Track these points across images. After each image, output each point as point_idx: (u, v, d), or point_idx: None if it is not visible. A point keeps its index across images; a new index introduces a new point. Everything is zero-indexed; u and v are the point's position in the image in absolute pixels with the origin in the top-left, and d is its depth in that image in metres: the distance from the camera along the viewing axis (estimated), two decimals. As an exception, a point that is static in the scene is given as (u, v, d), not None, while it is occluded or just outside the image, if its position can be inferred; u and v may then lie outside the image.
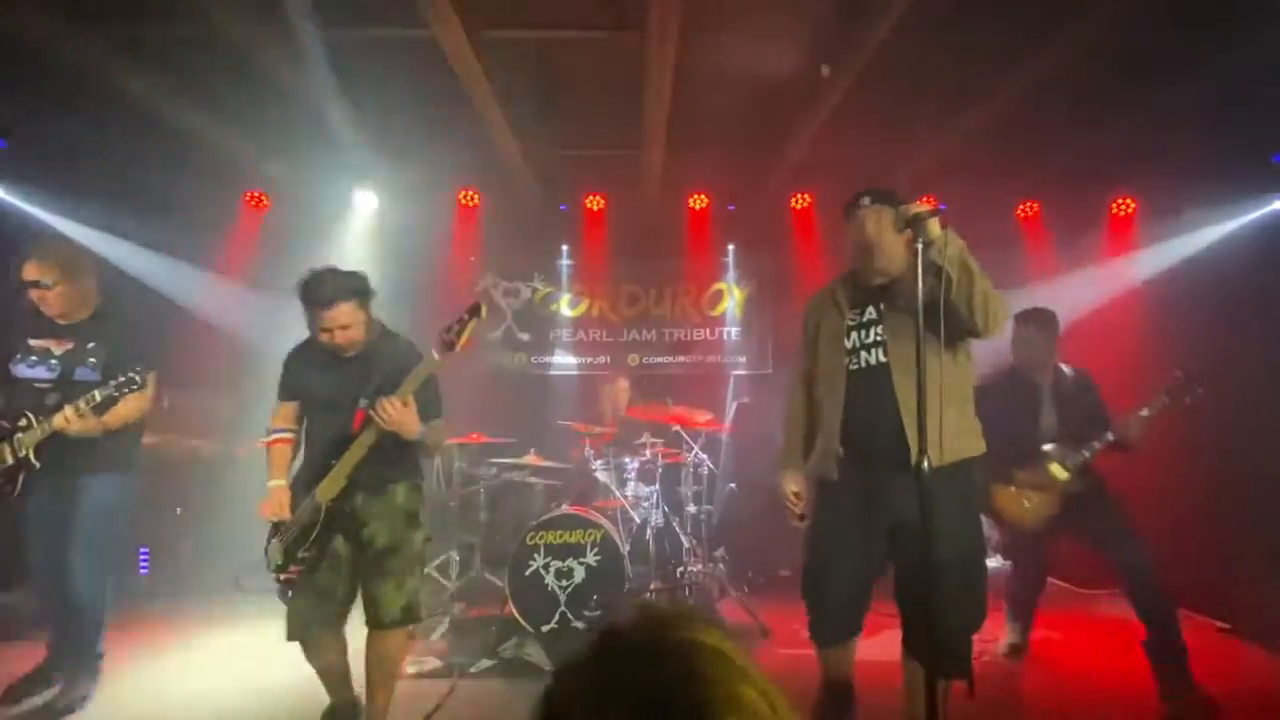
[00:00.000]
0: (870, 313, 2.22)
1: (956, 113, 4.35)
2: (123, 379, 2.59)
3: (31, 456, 2.62)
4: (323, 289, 2.34)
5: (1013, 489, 3.16)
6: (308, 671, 2.46)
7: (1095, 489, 3.05)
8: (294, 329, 2.58)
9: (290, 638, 2.40)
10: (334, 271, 2.41)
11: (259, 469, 2.57)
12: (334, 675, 2.50)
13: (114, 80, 3.88)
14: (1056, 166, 5.01)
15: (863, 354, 2.20)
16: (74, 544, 2.72)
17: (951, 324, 1.97)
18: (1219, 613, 3.69)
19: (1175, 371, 2.92)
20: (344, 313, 2.36)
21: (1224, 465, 2.78)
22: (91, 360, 2.75)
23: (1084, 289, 4.90)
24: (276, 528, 2.41)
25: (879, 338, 2.17)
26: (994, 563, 5.48)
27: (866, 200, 2.20)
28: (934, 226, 1.91)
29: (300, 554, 2.35)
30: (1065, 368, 3.29)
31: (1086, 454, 3.00)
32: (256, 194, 5.44)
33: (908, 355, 1.97)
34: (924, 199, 5.98)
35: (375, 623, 2.43)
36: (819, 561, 2.27)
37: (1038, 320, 3.26)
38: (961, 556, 1.89)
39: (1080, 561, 3.75)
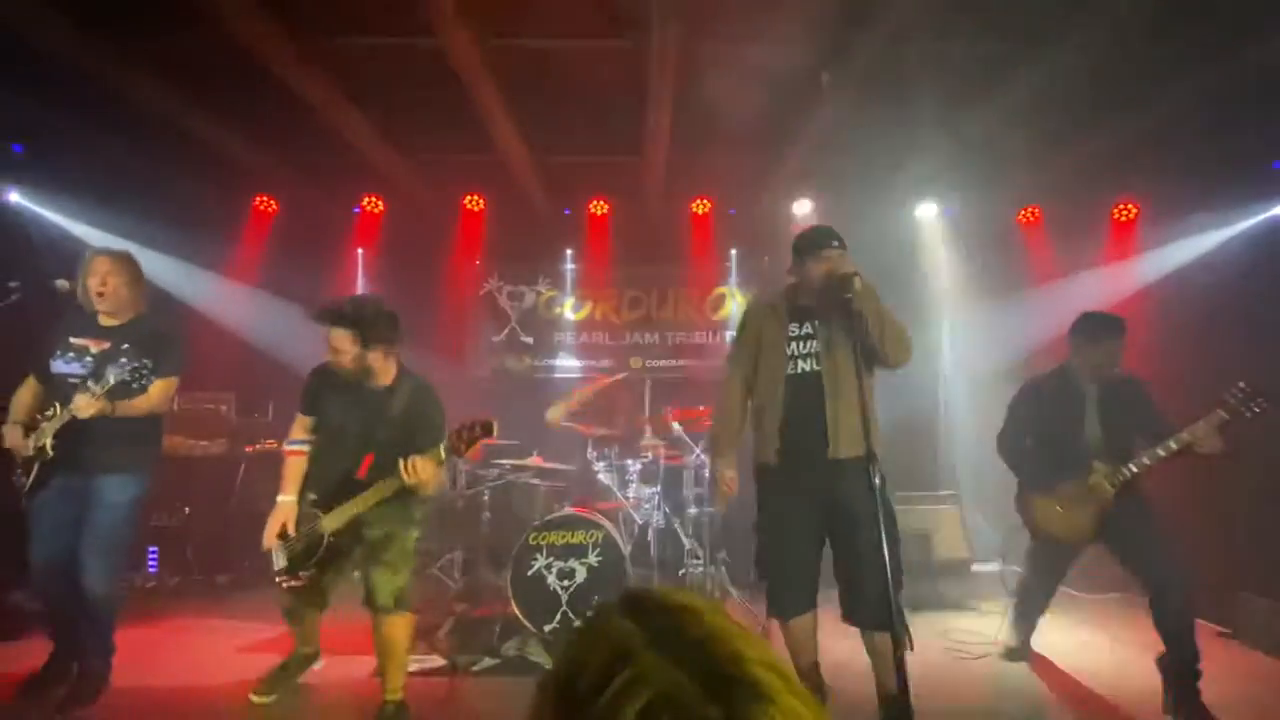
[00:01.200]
0: (808, 328, 2.60)
1: (957, 118, 4.36)
2: (135, 364, 2.67)
3: (48, 446, 2.70)
4: (323, 311, 2.54)
5: (1054, 503, 3.03)
6: (315, 669, 2.52)
7: (1133, 498, 2.89)
8: (300, 333, 2.65)
9: (286, 616, 2.76)
10: (353, 299, 2.62)
11: (264, 469, 2.64)
12: (306, 632, 2.83)
13: (126, 87, 3.95)
14: (1058, 171, 5.02)
15: (799, 362, 2.58)
16: (90, 542, 2.76)
17: (866, 353, 2.42)
18: (1218, 617, 3.69)
19: (1237, 384, 2.67)
20: (335, 337, 2.55)
21: (1224, 469, 2.78)
22: (123, 360, 2.79)
23: (1085, 294, 4.90)
24: (283, 533, 2.61)
25: (814, 350, 2.56)
26: (994, 567, 5.47)
27: (835, 244, 2.54)
28: (854, 282, 2.36)
29: (303, 571, 2.55)
30: (1119, 374, 3.06)
31: (1135, 469, 2.85)
32: (266, 199, 5.52)
33: (835, 366, 2.50)
34: (926, 204, 5.94)
35: (372, 607, 2.59)
36: (769, 539, 2.57)
37: (1098, 327, 3.04)
38: (882, 529, 2.14)
39: (1082, 565, 3.75)
